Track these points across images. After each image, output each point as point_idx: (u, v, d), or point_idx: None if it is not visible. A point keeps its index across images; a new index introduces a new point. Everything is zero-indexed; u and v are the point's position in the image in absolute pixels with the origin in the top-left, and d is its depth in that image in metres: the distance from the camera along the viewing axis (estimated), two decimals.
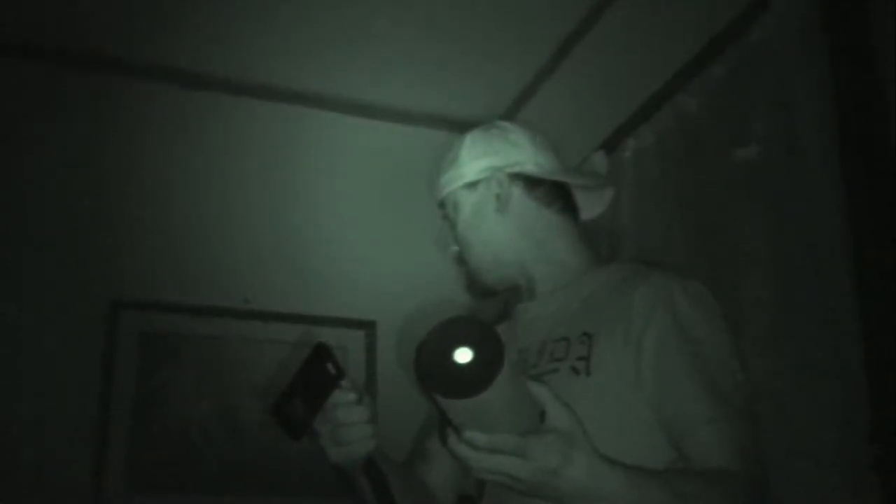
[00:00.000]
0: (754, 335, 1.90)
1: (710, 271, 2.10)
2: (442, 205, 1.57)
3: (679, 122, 2.32)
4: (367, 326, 3.04)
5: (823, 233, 1.81)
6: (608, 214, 2.50)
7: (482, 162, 1.53)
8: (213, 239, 2.97)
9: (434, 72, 3.12)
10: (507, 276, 1.53)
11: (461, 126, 3.31)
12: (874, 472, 1.61)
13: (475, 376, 0.94)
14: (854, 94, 1.79)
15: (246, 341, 2.91)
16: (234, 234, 3.01)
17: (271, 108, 3.17)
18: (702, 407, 1.24)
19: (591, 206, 1.62)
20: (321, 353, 1.22)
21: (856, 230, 1.73)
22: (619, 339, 1.31)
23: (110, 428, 2.68)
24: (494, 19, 2.84)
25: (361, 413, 1.27)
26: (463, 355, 0.95)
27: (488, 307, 1.71)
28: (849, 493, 1.64)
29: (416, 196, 3.19)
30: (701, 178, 2.22)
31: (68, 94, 2.95)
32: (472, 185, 1.53)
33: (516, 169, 1.52)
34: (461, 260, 1.55)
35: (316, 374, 1.22)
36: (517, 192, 1.52)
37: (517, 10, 2.81)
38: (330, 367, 1.22)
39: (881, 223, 1.69)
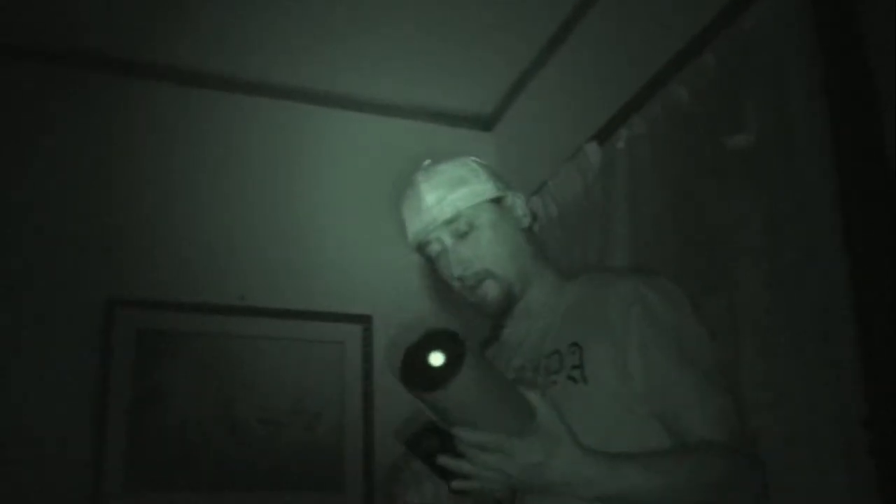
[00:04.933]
0: (749, 324, 1.91)
1: (703, 260, 2.11)
2: (448, 223, 1.52)
3: (671, 111, 2.32)
4: (364, 321, 3.05)
5: (816, 221, 1.81)
6: (601, 204, 2.53)
7: (497, 182, 1.58)
8: (210, 236, 2.97)
9: (426, 66, 3.12)
10: (523, 292, 1.55)
11: (455, 120, 3.37)
12: (870, 458, 1.62)
13: (444, 369, 1.14)
14: (845, 80, 1.80)
15: (243, 338, 2.91)
16: (231, 230, 3.01)
17: (267, 104, 3.17)
18: (685, 389, 1.37)
19: None
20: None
21: (849, 218, 1.74)
22: (604, 343, 1.42)
23: (108, 425, 2.68)
24: (486, 12, 2.84)
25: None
26: (435, 358, 1.15)
27: (479, 329, 1.73)
28: (845, 479, 1.65)
29: None
30: (693, 167, 2.22)
31: (66, 92, 2.95)
32: (497, 201, 1.57)
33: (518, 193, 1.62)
34: (479, 276, 1.52)
35: None
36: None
37: (508, 3, 2.81)
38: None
39: (874, 210, 1.69)
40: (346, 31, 2.92)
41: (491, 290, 1.52)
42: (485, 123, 3.39)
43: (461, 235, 1.53)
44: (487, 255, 1.52)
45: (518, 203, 1.59)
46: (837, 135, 1.79)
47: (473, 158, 1.62)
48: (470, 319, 1.65)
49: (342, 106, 3.26)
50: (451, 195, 1.53)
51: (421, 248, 1.58)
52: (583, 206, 2.64)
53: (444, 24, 2.90)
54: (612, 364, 1.39)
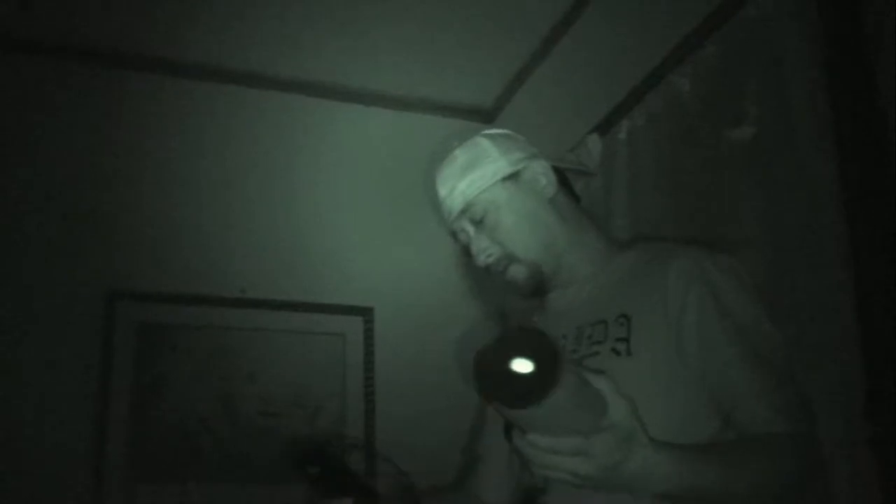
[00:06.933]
0: None
1: None
2: (463, 212, 1.51)
3: (672, 102, 2.31)
4: (365, 313, 3.05)
5: (818, 211, 1.81)
6: (602, 195, 2.52)
7: (515, 154, 1.52)
8: (210, 229, 2.97)
9: (427, 59, 3.12)
10: (558, 265, 1.50)
11: (456, 112, 3.36)
12: (871, 449, 1.62)
13: (536, 386, 0.95)
14: (847, 71, 1.79)
15: (243, 330, 2.91)
16: (231, 223, 3.01)
17: (268, 97, 3.17)
18: (748, 378, 1.27)
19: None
20: None
21: (851, 208, 1.73)
22: (657, 317, 1.34)
23: (109, 418, 2.68)
24: (487, 4, 2.84)
25: None
26: (522, 366, 0.96)
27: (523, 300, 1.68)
28: (846, 470, 1.65)
29: (410, 182, 3.19)
30: (695, 158, 2.22)
31: (67, 86, 2.95)
32: (512, 177, 1.50)
33: (544, 159, 1.54)
34: (502, 262, 1.49)
35: None
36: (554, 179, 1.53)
37: None
38: None
39: (876, 201, 1.68)
40: (348, 24, 2.91)
41: (518, 274, 1.49)
42: (486, 115, 3.38)
43: (478, 223, 1.49)
44: (506, 239, 1.48)
45: (539, 172, 1.52)
46: (839, 126, 1.78)
47: (488, 133, 1.56)
48: (514, 300, 1.60)
49: (343, 98, 3.26)
50: (461, 184, 1.49)
51: (454, 237, 1.55)
52: (583, 197, 2.63)
53: (446, 15, 2.89)
54: (662, 341, 1.32)
